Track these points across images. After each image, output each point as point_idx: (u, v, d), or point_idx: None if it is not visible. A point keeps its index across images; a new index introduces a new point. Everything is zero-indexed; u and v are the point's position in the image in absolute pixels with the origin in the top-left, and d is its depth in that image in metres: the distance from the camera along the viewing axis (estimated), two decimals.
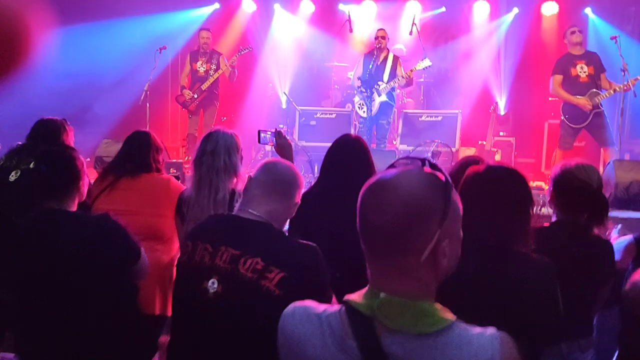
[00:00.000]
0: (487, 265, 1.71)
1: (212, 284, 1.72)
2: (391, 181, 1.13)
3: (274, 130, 3.10)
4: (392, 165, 1.20)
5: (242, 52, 7.42)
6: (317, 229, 2.63)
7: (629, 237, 2.75)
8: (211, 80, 7.24)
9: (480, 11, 9.36)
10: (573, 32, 6.31)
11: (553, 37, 9.20)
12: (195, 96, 7.26)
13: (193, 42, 8.04)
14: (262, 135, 3.13)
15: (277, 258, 1.71)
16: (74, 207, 2.32)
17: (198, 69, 7.33)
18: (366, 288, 1.18)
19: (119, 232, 2.23)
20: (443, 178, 1.14)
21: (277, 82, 8.98)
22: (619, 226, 3.07)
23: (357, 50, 8.90)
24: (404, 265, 1.11)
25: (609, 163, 5.34)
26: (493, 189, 1.82)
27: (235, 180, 2.72)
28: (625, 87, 5.96)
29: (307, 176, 6.31)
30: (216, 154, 2.68)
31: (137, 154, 3.04)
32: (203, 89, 7.26)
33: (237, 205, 1.97)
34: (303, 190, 2.99)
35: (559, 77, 6.30)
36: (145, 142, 3.08)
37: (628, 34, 8.74)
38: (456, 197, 1.17)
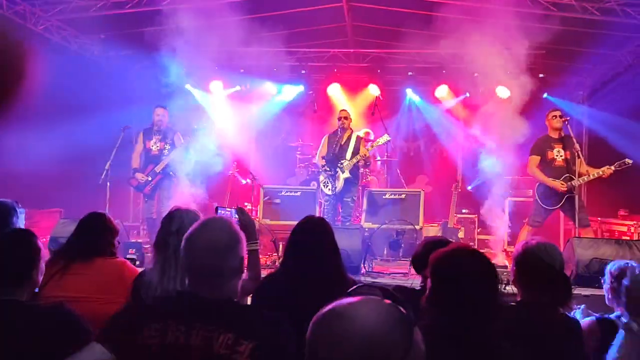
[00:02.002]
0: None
1: None
2: (348, 313, 0.99)
3: (235, 207, 2.98)
4: (347, 294, 1.08)
5: (197, 131, 7.17)
6: (278, 311, 2.56)
7: (591, 318, 2.74)
8: (166, 161, 6.95)
9: (440, 94, 9.77)
10: (554, 117, 6.48)
11: (507, 118, 9.62)
12: (150, 179, 6.95)
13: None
14: (220, 211, 2.99)
15: (247, 330, 1.69)
16: (25, 297, 2.18)
17: (151, 147, 7.04)
18: None
19: (74, 323, 2.09)
20: (405, 312, 1.03)
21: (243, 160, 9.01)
22: (583, 306, 3.06)
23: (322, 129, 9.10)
24: None
25: (568, 241, 5.42)
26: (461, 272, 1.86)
27: None
28: (603, 173, 6.12)
29: (271, 256, 6.20)
30: (182, 232, 2.57)
31: (90, 238, 2.93)
32: (157, 172, 6.96)
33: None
34: (267, 272, 2.92)
35: (536, 158, 6.48)
36: (100, 225, 2.98)
37: (577, 115, 9.23)
38: (418, 335, 1.05)
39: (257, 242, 2.84)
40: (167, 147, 7.02)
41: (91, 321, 2.17)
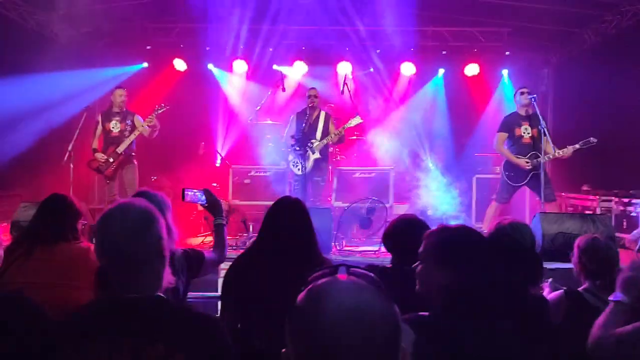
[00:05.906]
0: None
1: None
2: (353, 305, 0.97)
3: (202, 189, 3.02)
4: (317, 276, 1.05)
5: (159, 111, 6.97)
6: (252, 293, 2.53)
7: (559, 292, 2.79)
8: (127, 142, 6.82)
9: (407, 71, 9.75)
10: (522, 93, 6.53)
11: (477, 96, 9.74)
12: (111, 160, 6.80)
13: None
14: (187, 192, 2.97)
15: (177, 340, 1.55)
16: None
17: (112, 128, 6.89)
18: None
19: (34, 314, 1.96)
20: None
21: (211, 141, 8.89)
22: (550, 280, 3.12)
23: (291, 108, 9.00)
24: None
25: (535, 216, 5.52)
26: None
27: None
28: (565, 154, 6.21)
29: (241, 235, 6.16)
30: None
31: (53, 221, 2.81)
32: (119, 152, 6.82)
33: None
34: (239, 253, 2.87)
35: (503, 135, 6.55)
36: (62, 208, 2.86)
37: (542, 93, 9.37)
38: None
39: (222, 218, 3.00)
40: (128, 128, 6.91)
41: (55, 307, 2.08)
